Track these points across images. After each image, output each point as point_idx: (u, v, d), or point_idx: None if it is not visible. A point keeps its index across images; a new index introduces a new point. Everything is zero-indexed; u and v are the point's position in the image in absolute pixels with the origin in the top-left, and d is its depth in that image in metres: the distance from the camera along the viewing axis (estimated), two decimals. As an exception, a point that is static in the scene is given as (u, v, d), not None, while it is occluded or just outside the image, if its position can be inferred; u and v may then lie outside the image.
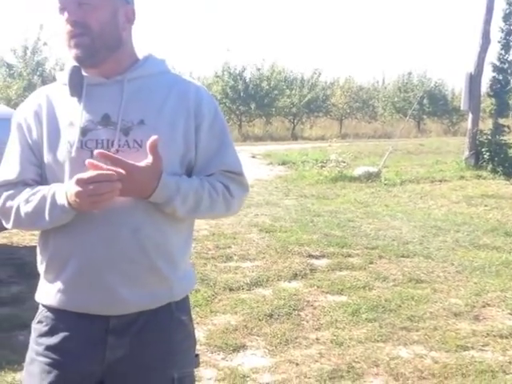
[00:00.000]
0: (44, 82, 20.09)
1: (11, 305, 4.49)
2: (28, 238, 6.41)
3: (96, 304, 1.72)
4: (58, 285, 1.76)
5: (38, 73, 22.50)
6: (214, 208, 1.80)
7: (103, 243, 1.69)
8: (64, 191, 1.64)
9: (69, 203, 1.63)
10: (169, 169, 1.71)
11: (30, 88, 20.57)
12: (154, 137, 1.61)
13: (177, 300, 1.81)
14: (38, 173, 1.78)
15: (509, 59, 13.37)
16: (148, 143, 1.61)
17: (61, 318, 1.78)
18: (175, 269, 1.79)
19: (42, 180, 1.78)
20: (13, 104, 17.67)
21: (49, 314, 1.80)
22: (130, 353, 1.75)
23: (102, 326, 1.74)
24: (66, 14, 1.70)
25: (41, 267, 1.82)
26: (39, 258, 1.82)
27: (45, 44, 22.52)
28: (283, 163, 15.08)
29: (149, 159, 1.62)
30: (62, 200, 1.65)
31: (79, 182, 1.57)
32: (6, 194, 1.76)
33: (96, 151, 1.61)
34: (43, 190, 1.71)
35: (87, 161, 1.59)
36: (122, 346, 1.74)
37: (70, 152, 1.71)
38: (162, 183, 1.66)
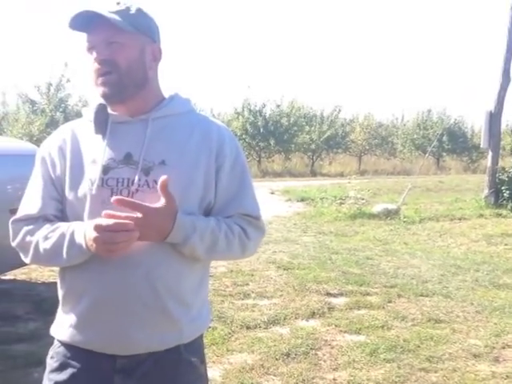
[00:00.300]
0: (66, 119, 20.40)
1: (28, 341, 4.51)
2: (47, 274, 6.45)
3: (104, 342, 1.74)
4: (71, 320, 1.78)
5: (60, 109, 22.84)
6: (230, 249, 1.80)
7: (116, 283, 1.70)
8: (83, 232, 1.67)
9: (86, 245, 1.66)
10: (188, 210, 1.73)
11: (52, 124, 20.92)
12: (163, 177, 1.62)
13: (186, 342, 1.81)
14: (59, 208, 1.80)
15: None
16: (159, 184, 1.63)
17: (71, 354, 1.79)
18: (187, 311, 1.78)
19: (63, 216, 1.80)
20: (35, 140, 17.91)
21: (60, 349, 1.82)
22: None
23: (109, 365, 1.75)
24: (94, 53, 1.74)
25: (60, 301, 1.85)
26: (59, 291, 1.85)
27: (68, 81, 22.92)
28: (302, 200, 15.08)
29: (161, 200, 1.64)
30: (80, 240, 1.67)
31: (97, 228, 1.59)
32: (26, 228, 1.78)
33: (112, 198, 1.63)
34: (62, 228, 1.73)
35: (104, 212, 1.61)
36: None
37: (91, 189, 1.73)
38: (178, 223, 1.67)
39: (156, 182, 1.70)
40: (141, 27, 1.76)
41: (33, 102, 23.44)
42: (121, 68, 1.73)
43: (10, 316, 5.23)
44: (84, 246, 1.66)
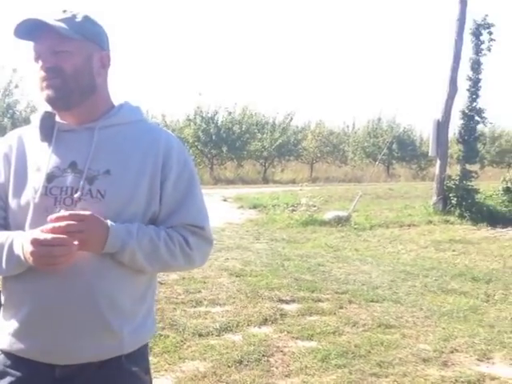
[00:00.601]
0: (14, 125, 20.01)
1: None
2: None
3: (42, 351, 1.72)
4: (10, 328, 1.76)
5: (8, 115, 22.43)
6: (173, 258, 1.79)
7: (55, 293, 1.69)
8: (21, 243, 1.65)
9: (24, 257, 1.64)
10: (131, 219, 1.73)
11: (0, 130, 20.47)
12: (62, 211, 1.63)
13: (127, 353, 1.79)
14: (3, 216, 1.78)
15: (477, 107, 13.67)
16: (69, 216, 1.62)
17: (10, 362, 1.77)
18: (127, 322, 1.77)
19: (6, 223, 1.78)
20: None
21: (1, 357, 1.79)
22: None
23: (48, 375, 1.73)
24: (40, 61, 1.72)
25: (0, 308, 1.82)
26: (0, 298, 1.83)
27: (16, 87, 22.54)
28: (254, 207, 15.11)
29: (81, 223, 1.62)
30: (18, 252, 1.66)
31: (34, 242, 1.58)
32: None
33: (49, 218, 1.62)
34: (1, 237, 1.71)
35: (41, 228, 1.60)
36: None
37: (34, 198, 1.71)
38: (112, 231, 1.66)
39: (99, 191, 1.71)
40: (88, 34, 1.75)
41: (-20, 107, 22.96)
42: (66, 73, 1.72)
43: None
44: (22, 257, 1.65)
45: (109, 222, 1.66)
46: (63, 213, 1.62)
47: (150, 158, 1.78)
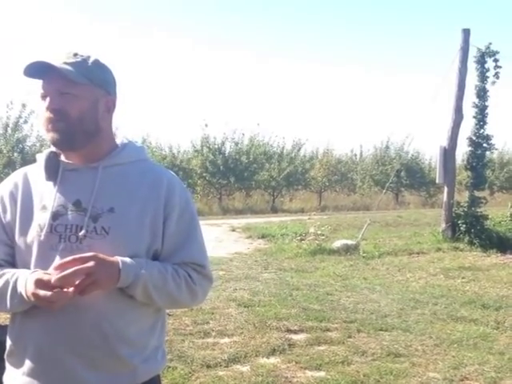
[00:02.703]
0: (24, 160, 20.20)
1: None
2: (3, 316, 6.32)
3: None
4: (21, 368, 1.78)
5: (18, 150, 22.59)
6: (179, 291, 1.82)
7: (64, 328, 1.72)
8: (24, 282, 1.69)
9: (26, 296, 1.68)
10: (135, 256, 1.76)
11: (10, 165, 20.68)
12: (66, 260, 1.65)
13: (140, 383, 1.81)
14: (10, 253, 1.82)
15: (484, 134, 13.68)
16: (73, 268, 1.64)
17: None
18: (139, 353, 1.79)
19: (14, 260, 1.81)
20: (-8, 180, 17.62)
21: None
22: None
23: None
24: (47, 100, 1.76)
25: (8, 346, 1.84)
26: (8, 336, 1.85)
27: (25, 122, 22.76)
28: (263, 236, 15.09)
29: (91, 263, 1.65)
30: (21, 290, 1.70)
31: (37, 283, 1.63)
32: None
33: (51, 268, 1.67)
34: (7, 275, 1.75)
35: (51, 268, 1.65)
36: None
37: (40, 235, 1.75)
38: (123, 266, 1.70)
39: (104, 228, 1.75)
40: (95, 79, 1.80)
41: (-10, 143, 23.15)
42: (71, 118, 1.76)
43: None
44: (25, 296, 1.69)
45: (118, 258, 1.70)
46: (66, 259, 1.66)
47: (152, 197, 1.82)
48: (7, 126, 22.91)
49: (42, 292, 1.61)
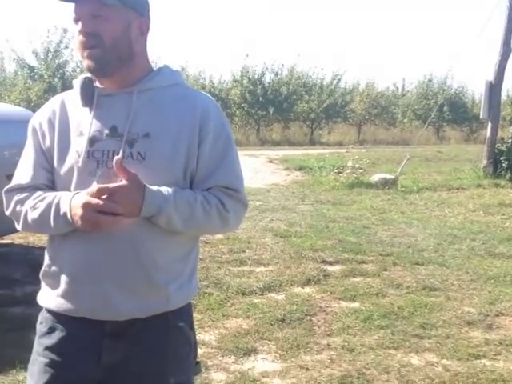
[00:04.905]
0: (64, 85, 20.33)
1: (25, 304, 4.53)
2: (44, 238, 6.43)
3: (90, 310, 1.76)
4: (56, 289, 1.81)
5: (58, 75, 22.72)
6: (209, 220, 1.80)
7: (100, 253, 1.73)
8: (68, 204, 1.70)
9: (71, 218, 1.68)
10: (173, 180, 1.76)
11: (50, 90, 20.83)
12: (116, 157, 1.66)
13: (173, 309, 1.83)
14: (50, 178, 1.83)
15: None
16: (114, 165, 1.66)
17: (58, 319, 1.82)
18: (172, 280, 1.80)
19: (53, 185, 1.83)
20: (33, 106, 17.84)
21: (48, 315, 1.85)
22: (126, 357, 1.77)
23: (98, 330, 1.77)
24: (79, 24, 1.74)
25: (44, 267, 1.87)
26: (45, 257, 1.87)
27: (66, 47, 22.76)
28: (300, 168, 15.07)
29: (122, 181, 1.65)
30: (65, 212, 1.70)
31: (85, 206, 1.64)
32: (16, 198, 1.82)
33: (91, 188, 1.66)
34: (49, 198, 1.76)
35: (93, 189, 1.64)
36: (118, 350, 1.77)
37: (78, 161, 1.76)
38: (147, 196, 1.68)
39: (140, 153, 1.74)
40: (127, 1, 1.75)
41: (31, 68, 23.29)
42: (105, 43, 1.73)
43: (8, 279, 5.27)
44: (69, 217, 1.69)
45: (146, 188, 1.68)
46: (93, 187, 1.65)
47: (187, 121, 1.80)
48: (48, 51, 22.96)
49: (93, 215, 1.62)
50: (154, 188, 1.70)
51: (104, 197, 1.62)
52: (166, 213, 1.71)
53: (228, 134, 1.88)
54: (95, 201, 1.61)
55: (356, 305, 4.99)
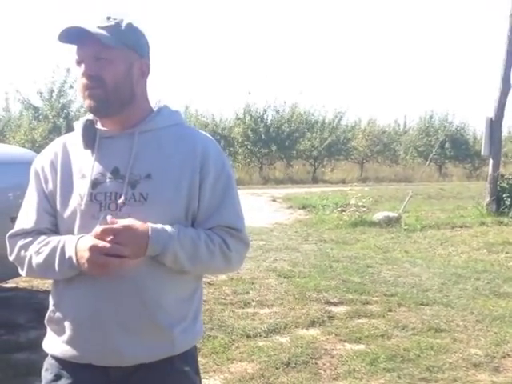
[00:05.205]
0: (69, 125, 20.46)
1: (29, 350, 4.50)
2: (49, 281, 6.43)
3: (95, 356, 1.77)
4: (61, 335, 1.82)
5: (63, 115, 22.89)
6: (213, 259, 1.81)
7: (104, 296, 1.74)
8: (73, 248, 1.71)
9: (77, 261, 1.69)
10: (174, 221, 1.77)
11: (54, 130, 20.99)
12: (108, 216, 1.68)
13: (178, 353, 1.83)
14: (53, 222, 1.84)
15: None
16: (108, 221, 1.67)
17: (64, 366, 1.82)
18: (177, 323, 1.81)
19: (57, 229, 1.84)
20: (37, 146, 17.96)
21: (54, 361, 1.85)
22: None
23: (102, 377, 1.77)
24: (82, 66, 1.77)
25: (49, 313, 1.87)
26: (50, 303, 1.88)
27: (71, 87, 22.98)
28: (303, 207, 15.07)
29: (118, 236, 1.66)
30: (70, 256, 1.71)
31: (92, 249, 1.64)
32: (20, 243, 1.83)
33: (95, 230, 1.67)
34: (53, 242, 1.77)
35: (98, 230, 1.65)
36: None
37: (80, 204, 1.77)
38: (153, 234, 1.70)
39: (142, 195, 1.76)
40: (129, 43, 1.79)
41: (35, 109, 23.50)
42: (108, 85, 1.76)
43: (11, 324, 5.23)
44: (74, 261, 1.70)
45: (149, 226, 1.70)
46: (97, 228, 1.66)
47: (188, 161, 1.82)
48: (52, 91, 23.18)
49: (100, 257, 1.63)
50: (159, 226, 1.72)
51: (109, 238, 1.63)
52: (172, 250, 1.72)
53: (228, 174, 1.89)
54: (102, 243, 1.62)
55: (361, 347, 4.95)
